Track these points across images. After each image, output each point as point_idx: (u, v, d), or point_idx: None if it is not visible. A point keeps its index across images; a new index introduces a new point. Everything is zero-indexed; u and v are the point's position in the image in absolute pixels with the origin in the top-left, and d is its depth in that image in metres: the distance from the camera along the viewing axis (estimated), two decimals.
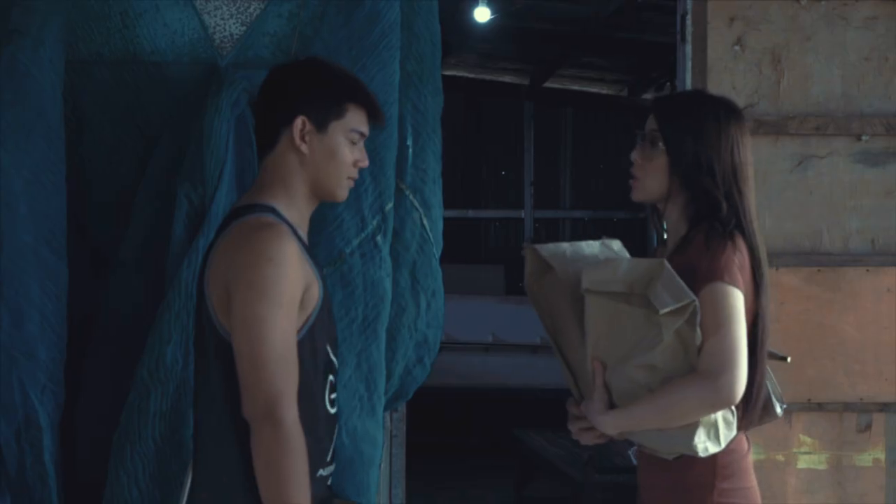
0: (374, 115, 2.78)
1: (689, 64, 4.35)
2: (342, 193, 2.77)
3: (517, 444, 7.53)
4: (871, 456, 4.30)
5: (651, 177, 2.87)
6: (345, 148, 2.72)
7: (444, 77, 3.99)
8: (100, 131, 3.74)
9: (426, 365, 3.92)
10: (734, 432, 2.75)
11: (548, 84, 11.28)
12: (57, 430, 3.50)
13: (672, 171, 2.84)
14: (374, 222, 3.68)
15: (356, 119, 2.74)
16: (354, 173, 2.76)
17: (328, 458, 2.73)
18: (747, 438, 2.87)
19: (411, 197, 3.81)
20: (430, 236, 3.85)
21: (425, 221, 3.83)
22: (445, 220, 3.94)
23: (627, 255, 2.88)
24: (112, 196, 3.73)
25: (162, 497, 3.42)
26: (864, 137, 4.32)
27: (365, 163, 2.77)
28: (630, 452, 6.41)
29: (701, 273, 2.71)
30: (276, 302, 2.56)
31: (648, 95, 10.87)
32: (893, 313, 4.30)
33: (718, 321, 2.67)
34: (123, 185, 3.72)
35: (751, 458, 2.87)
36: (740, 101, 4.19)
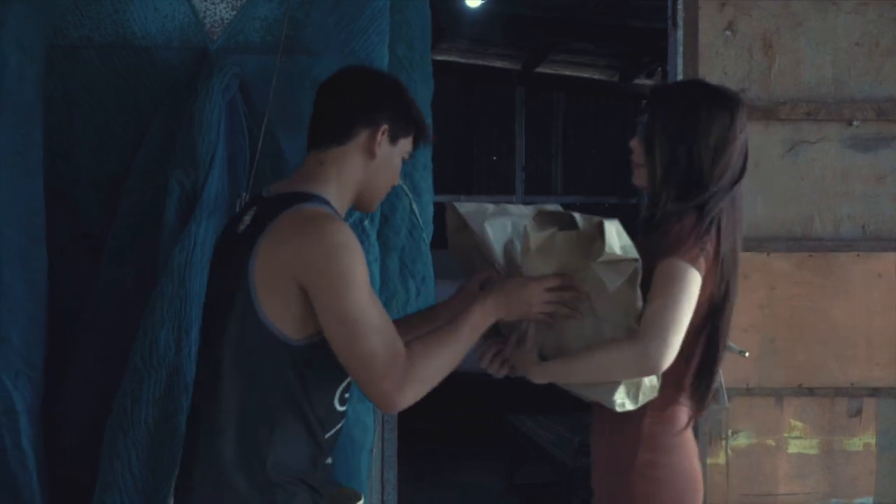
0: (422, 142, 2.91)
1: (680, 49, 4.34)
2: (375, 206, 2.87)
3: (508, 429, 7.53)
4: (862, 441, 4.31)
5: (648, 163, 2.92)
6: (399, 163, 2.84)
7: (435, 62, 3.98)
8: (90, 116, 3.72)
9: None
10: (655, 395, 2.77)
11: (539, 69, 11.26)
12: (37, 416, 3.46)
13: (660, 159, 2.87)
14: None
15: (411, 142, 2.86)
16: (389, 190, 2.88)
17: (332, 448, 2.78)
18: (691, 418, 2.88)
19: (401, 182, 3.81)
20: (420, 221, 3.85)
21: (415, 206, 3.83)
22: (437, 205, 3.94)
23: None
24: (104, 182, 3.72)
25: (156, 484, 3.41)
26: (855, 123, 4.32)
27: (396, 182, 2.88)
28: None
29: (665, 247, 2.75)
30: (361, 286, 2.57)
31: (640, 81, 10.86)
32: (884, 298, 4.30)
33: (665, 291, 2.70)
34: (114, 170, 3.71)
35: (689, 436, 2.88)
36: (731, 87, 4.18)
